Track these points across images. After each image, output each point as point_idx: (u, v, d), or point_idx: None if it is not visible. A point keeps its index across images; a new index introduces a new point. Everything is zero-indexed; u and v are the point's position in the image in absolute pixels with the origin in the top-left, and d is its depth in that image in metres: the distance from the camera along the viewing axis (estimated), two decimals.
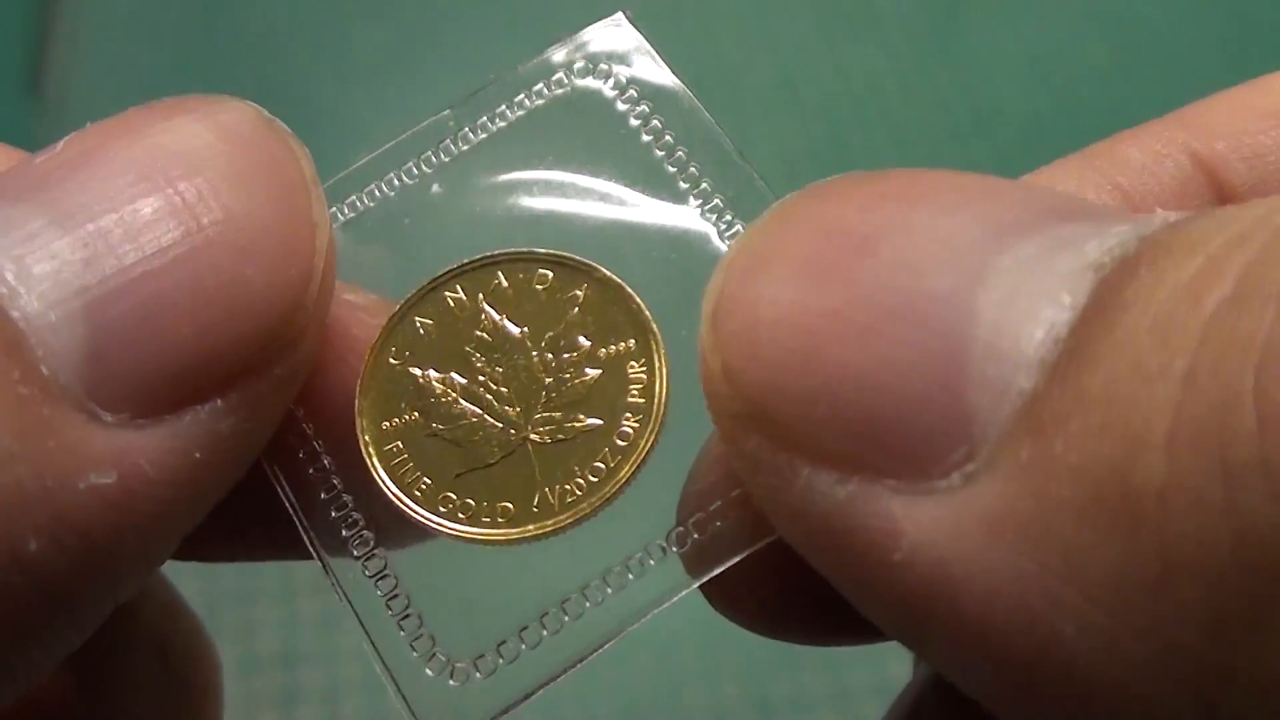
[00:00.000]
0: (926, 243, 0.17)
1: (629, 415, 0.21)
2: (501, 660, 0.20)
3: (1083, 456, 0.15)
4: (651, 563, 0.20)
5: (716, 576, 0.20)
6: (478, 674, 0.20)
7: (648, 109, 0.23)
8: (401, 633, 0.20)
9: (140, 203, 0.19)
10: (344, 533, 0.21)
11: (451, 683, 0.20)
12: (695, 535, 0.20)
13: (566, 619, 0.20)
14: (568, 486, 0.20)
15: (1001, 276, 0.16)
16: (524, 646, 0.20)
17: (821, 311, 0.17)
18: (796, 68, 0.91)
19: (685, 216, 0.22)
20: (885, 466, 0.16)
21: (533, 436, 0.21)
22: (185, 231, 0.19)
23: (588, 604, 0.20)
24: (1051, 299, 0.16)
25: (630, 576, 0.20)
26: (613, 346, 0.21)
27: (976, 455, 0.16)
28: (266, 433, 0.20)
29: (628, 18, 0.24)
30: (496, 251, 0.22)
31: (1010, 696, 0.16)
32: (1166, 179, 0.24)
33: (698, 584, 0.21)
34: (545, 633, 0.20)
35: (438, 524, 0.20)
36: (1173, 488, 0.14)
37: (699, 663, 0.66)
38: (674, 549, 0.20)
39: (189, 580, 0.72)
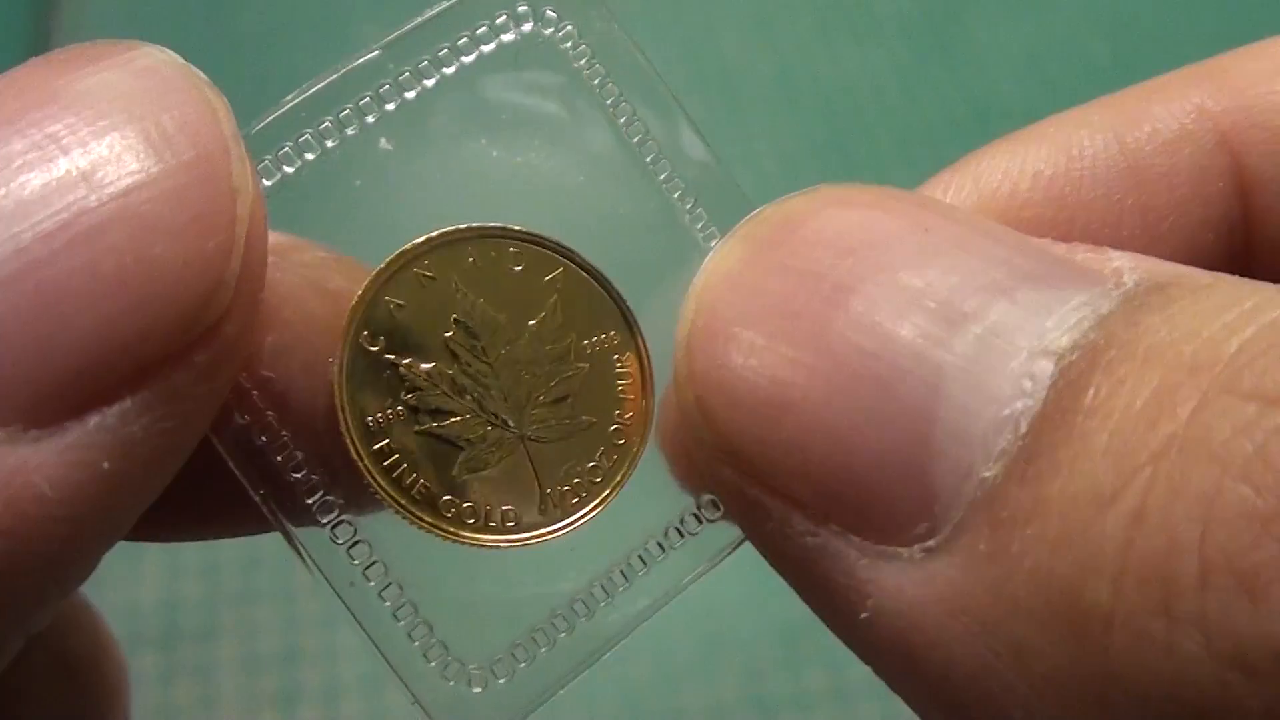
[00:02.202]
0: (895, 304, 0.17)
1: (619, 412, 0.21)
2: (520, 663, 0.20)
3: (1037, 564, 0.15)
4: (656, 556, 0.21)
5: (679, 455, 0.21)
6: (498, 679, 0.20)
7: (603, 69, 0.22)
8: (413, 643, 0.20)
9: (25, 177, 0.16)
10: (339, 541, 0.20)
11: (473, 690, 0.20)
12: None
13: (579, 618, 0.20)
14: (568, 488, 0.20)
15: (967, 347, 0.17)
16: (540, 648, 0.20)
17: (792, 362, 0.17)
18: (796, 68, 0.91)
19: (650, 194, 0.22)
20: (851, 523, 0.17)
21: (529, 434, 0.20)
22: (80, 209, 0.16)
23: (599, 601, 0.20)
24: (1013, 382, 0.16)
25: (638, 571, 0.20)
26: (596, 338, 0.21)
27: (937, 532, 0.16)
28: (195, 427, 0.18)
29: None
30: (465, 226, 0.20)
31: None
32: (1174, 139, 0.23)
33: (703, 572, 0.21)
34: (560, 634, 0.20)
35: (446, 531, 0.20)
36: (1118, 618, 0.15)
37: (699, 663, 0.66)
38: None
39: (190, 581, 0.72)
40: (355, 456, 0.20)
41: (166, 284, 0.16)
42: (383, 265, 0.20)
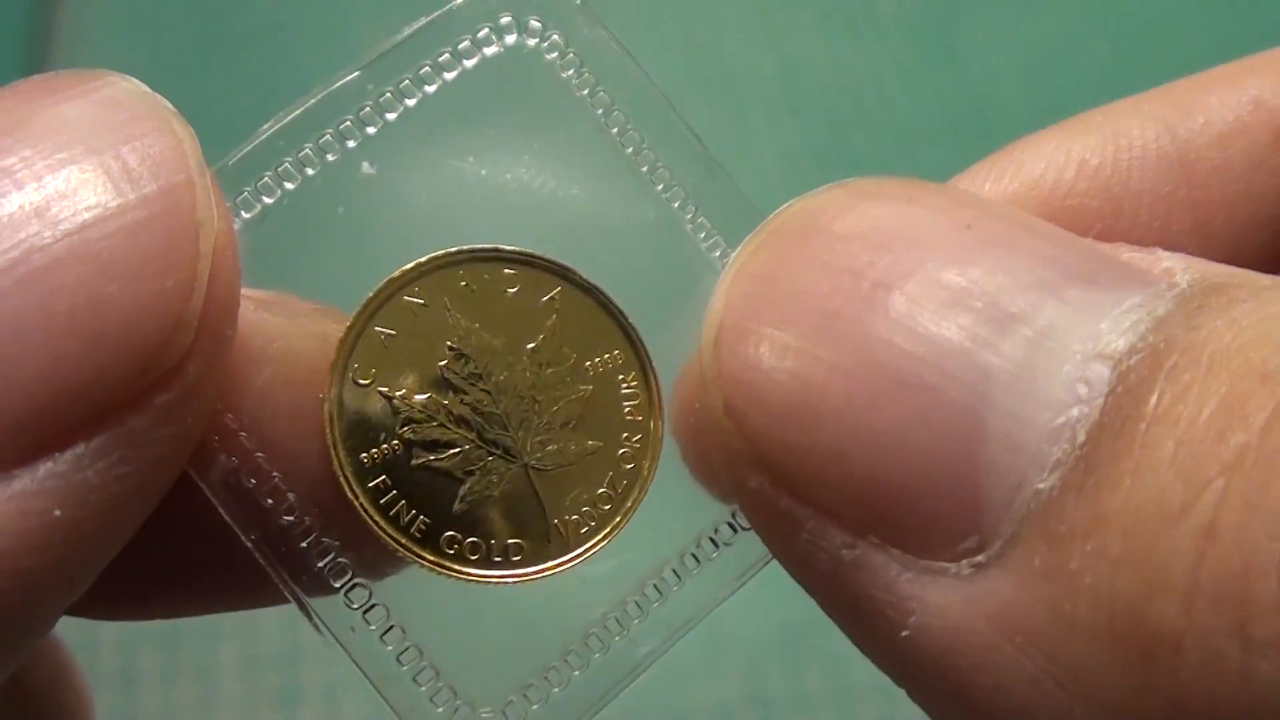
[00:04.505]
0: (939, 304, 0.16)
1: (627, 435, 0.20)
2: (532, 705, 0.19)
3: (1099, 582, 0.15)
4: (673, 585, 0.20)
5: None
6: None
7: (591, 77, 0.21)
8: (420, 688, 0.19)
9: None
10: (335, 583, 0.19)
11: None
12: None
13: (594, 654, 0.20)
14: (577, 518, 0.20)
15: (1016, 349, 0.16)
16: (554, 688, 0.19)
17: (829, 366, 0.16)
18: (796, 67, 0.90)
19: (648, 204, 0.21)
20: (893, 537, 0.16)
21: (532, 463, 0.20)
22: (31, 247, 0.16)
23: (614, 635, 0.20)
24: (1067, 388, 0.15)
25: (653, 602, 0.20)
26: (599, 358, 0.20)
27: (987, 546, 0.16)
28: (161, 472, 0.17)
29: None
30: (455, 249, 0.20)
31: None
32: (1228, 132, 0.22)
33: (723, 599, 0.20)
34: (575, 671, 0.19)
35: (449, 569, 0.19)
36: (1189, 640, 0.14)
37: (699, 663, 0.65)
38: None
39: None
40: (350, 496, 0.19)
41: (121, 324, 0.16)
42: (371, 295, 0.19)
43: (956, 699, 0.16)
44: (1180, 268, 0.17)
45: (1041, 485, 0.15)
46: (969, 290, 0.16)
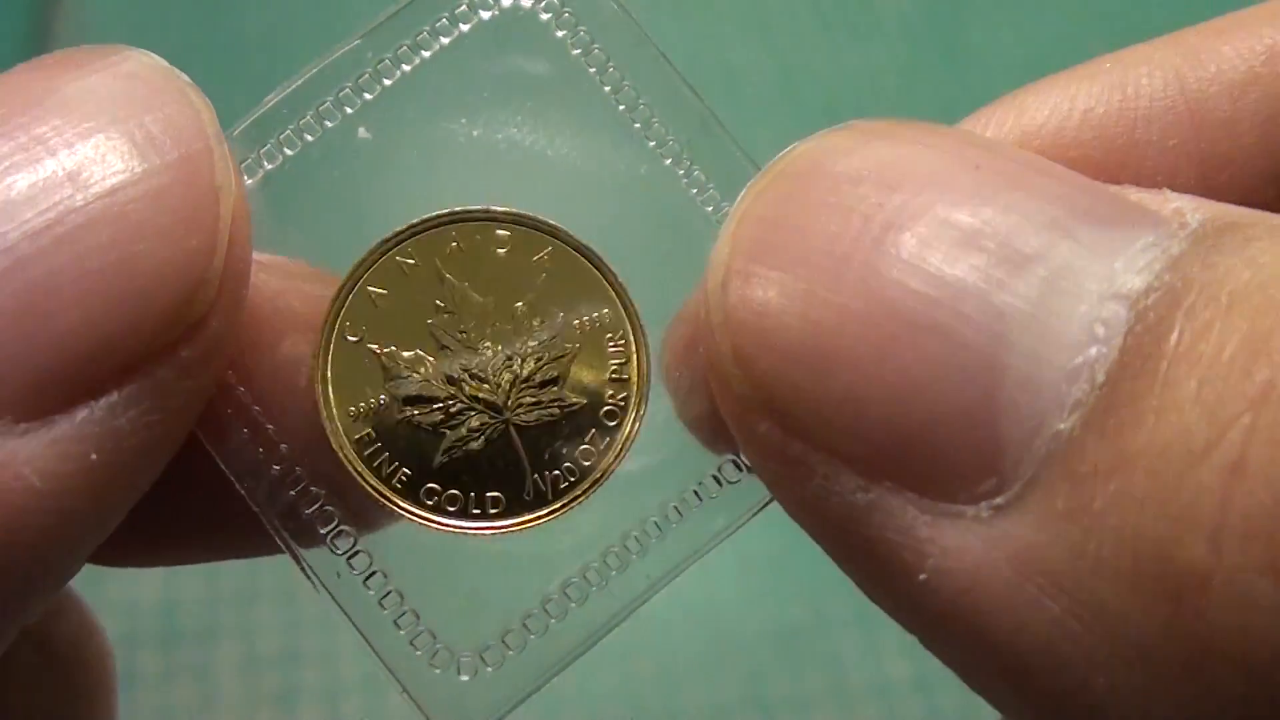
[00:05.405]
0: (951, 244, 0.16)
1: (612, 393, 0.20)
2: (510, 651, 0.20)
3: (1123, 522, 0.15)
4: (652, 537, 0.20)
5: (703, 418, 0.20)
6: (487, 667, 0.19)
7: (586, 35, 0.21)
8: (400, 631, 0.19)
9: (12, 178, 0.17)
10: (321, 530, 0.20)
11: (461, 678, 0.19)
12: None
13: (571, 604, 0.20)
14: (558, 473, 0.20)
15: (1031, 289, 0.16)
16: (531, 635, 0.20)
17: (840, 309, 0.16)
18: (797, 67, 0.90)
19: (642, 161, 0.21)
20: (909, 481, 0.16)
21: (515, 419, 0.20)
22: (66, 209, 0.17)
23: (591, 586, 0.20)
24: (1084, 327, 0.15)
25: (632, 554, 0.20)
26: (586, 317, 0.20)
27: (1006, 488, 0.15)
28: (183, 422, 0.18)
29: None
30: (446, 210, 0.20)
31: (1033, 718, 0.16)
32: (1241, 82, 0.22)
33: (696, 559, 0.20)
34: (553, 620, 0.20)
35: (425, 519, 0.19)
36: (1218, 579, 0.14)
37: (699, 663, 0.65)
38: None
39: (190, 581, 0.72)
40: (336, 447, 0.19)
41: (151, 280, 0.17)
42: (363, 255, 0.20)
43: (976, 642, 0.16)
44: (1190, 207, 0.17)
45: (1062, 426, 0.15)
46: (981, 230, 0.16)
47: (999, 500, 0.15)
